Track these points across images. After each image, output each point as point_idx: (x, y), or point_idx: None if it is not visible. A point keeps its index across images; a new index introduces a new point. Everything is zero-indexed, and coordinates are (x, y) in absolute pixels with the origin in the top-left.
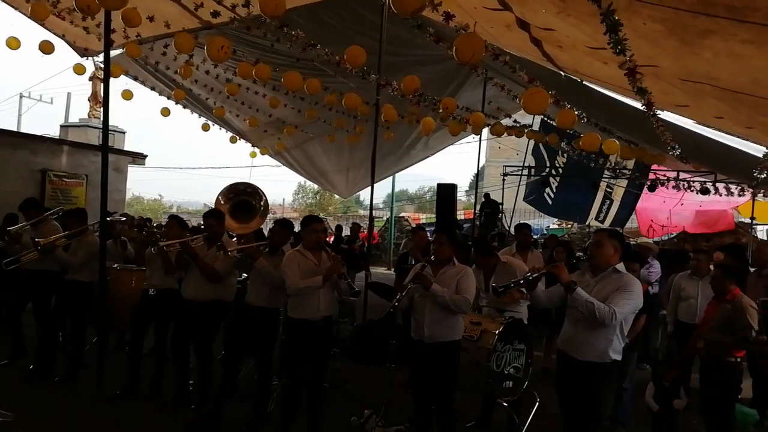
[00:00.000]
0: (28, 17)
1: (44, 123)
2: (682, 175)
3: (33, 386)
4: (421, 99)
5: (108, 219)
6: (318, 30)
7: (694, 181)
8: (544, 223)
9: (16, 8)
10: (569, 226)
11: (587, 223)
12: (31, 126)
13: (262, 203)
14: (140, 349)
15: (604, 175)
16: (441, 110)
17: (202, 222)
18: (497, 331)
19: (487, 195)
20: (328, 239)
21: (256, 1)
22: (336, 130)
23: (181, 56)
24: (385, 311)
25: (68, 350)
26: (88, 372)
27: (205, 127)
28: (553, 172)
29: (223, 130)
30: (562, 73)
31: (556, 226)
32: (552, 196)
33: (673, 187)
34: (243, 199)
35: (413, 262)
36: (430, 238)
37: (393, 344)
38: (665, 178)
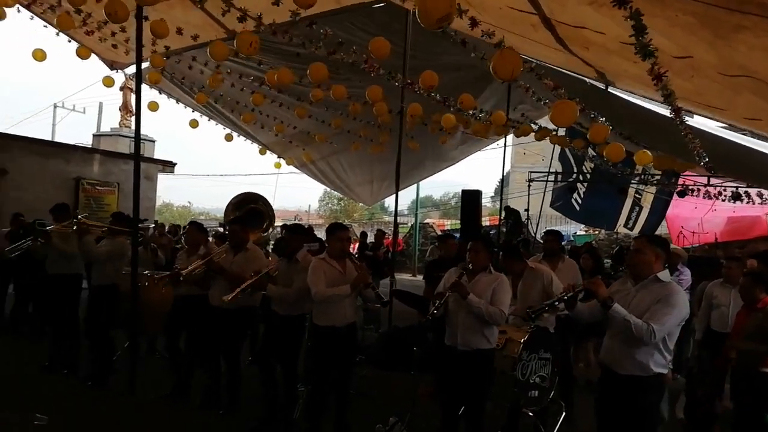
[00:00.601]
0: (57, 29)
1: (77, 132)
2: (713, 181)
3: (66, 390)
4: (445, 101)
5: (139, 225)
6: (344, 35)
7: (725, 188)
8: (572, 229)
9: (45, 21)
10: (596, 232)
11: (615, 230)
12: (65, 135)
13: (268, 209)
14: (179, 352)
15: (632, 182)
16: (461, 106)
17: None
18: (522, 340)
19: (507, 207)
20: (352, 246)
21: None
22: (361, 139)
23: (206, 70)
24: (410, 319)
25: (96, 353)
26: (119, 377)
27: (228, 138)
28: (581, 177)
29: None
30: (587, 79)
31: (584, 233)
32: (579, 202)
33: (704, 194)
34: (251, 207)
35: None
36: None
37: (417, 352)
38: (695, 185)
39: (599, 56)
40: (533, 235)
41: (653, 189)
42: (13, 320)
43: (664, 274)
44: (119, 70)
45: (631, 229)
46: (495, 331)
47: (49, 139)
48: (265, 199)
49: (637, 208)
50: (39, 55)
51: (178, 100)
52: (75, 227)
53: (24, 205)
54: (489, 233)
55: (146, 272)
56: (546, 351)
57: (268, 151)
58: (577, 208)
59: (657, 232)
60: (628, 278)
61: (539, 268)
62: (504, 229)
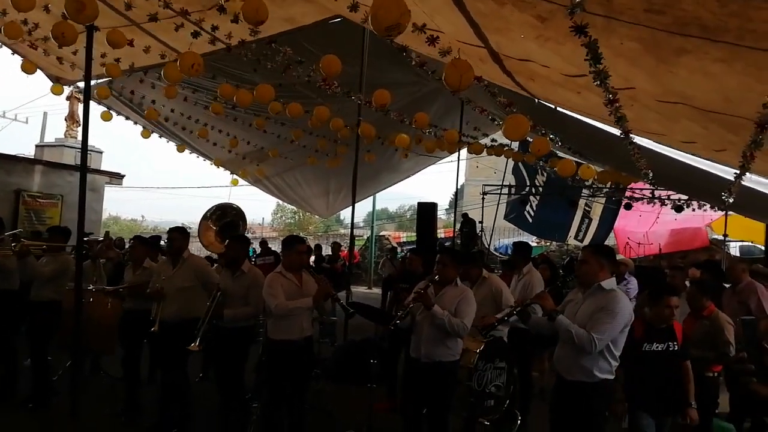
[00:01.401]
0: (6, 46)
1: (19, 143)
2: (657, 192)
3: (5, 414)
4: (399, 117)
5: (85, 239)
6: (299, 55)
7: (669, 198)
8: (525, 240)
9: None
10: (548, 244)
11: (566, 241)
12: (6, 146)
13: (243, 224)
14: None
15: (582, 194)
16: (414, 125)
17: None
18: (478, 350)
19: (465, 215)
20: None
21: (237, 28)
22: (317, 154)
23: (157, 84)
24: (365, 331)
25: (36, 373)
26: (62, 398)
27: (181, 149)
28: (533, 190)
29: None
30: (535, 99)
31: (536, 244)
32: (532, 214)
33: (648, 202)
34: (231, 219)
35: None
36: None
37: (374, 364)
38: (641, 195)
39: (544, 87)
40: (487, 246)
41: (602, 201)
42: None
43: (608, 282)
44: (65, 86)
45: (582, 240)
46: (459, 344)
47: None
48: (240, 210)
49: (587, 220)
50: None
51: (127, 117)
52: (16, 251)
53: None
54: (444, 245)
55: (91, 287)
56: (501, 360)
57: (222, 165)
58: (530, 220)
59: (605, 243)
60: (579, 288)
61: (492, 278)
62: (458, 240)
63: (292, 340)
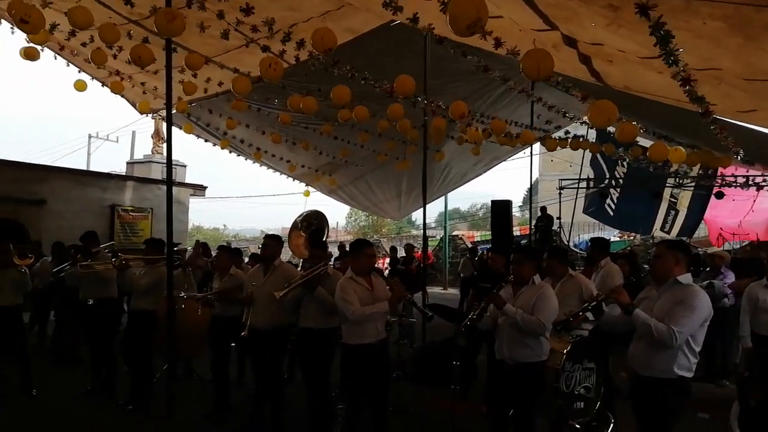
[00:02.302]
0: (97, 80)
1: (112, 160)
2: (752, 173)
3: (107, 415)
4: (469, 117)
5: (176, 248)
6: (363, 61)
7: (766, 181)
8: (606, 235)
9: (81, 69)
10: (632, 237)
11: (652, 234)
12: (100, 164)
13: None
14: (222, 372)
15: (667, 184)
16: (490, 131)
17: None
18: (565, 351)
19: (543, 209)
20: (382, 261)
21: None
22: (386, 157)
23: (224, 114)
24: (444, 332)
25: (137, 378)
26: (158, 400)
27: (257, 156)
28: (613, 182)
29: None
30: (614, 89)
31: (618, 239)
32: (613, 207)
33: (742, 188)
34: (317, 227)
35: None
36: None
37: (456, 366)
38: (734, 180)
39: (624, 69)
40: (566, 243)
41: (690, 189)
42: (54, 348)
43: (685, 277)
44: (148, 115)
45: (668, 232)
46: (543, 344)
47: (85, 168)
48: (323, 215)
49: (673, 212)
50: (80, 86)
51: (206, 140)
52: (116, 264)
53: (63, 233)
54: (519, 243)
55: (182, 294)
56: (590, 361)
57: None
58: (611, 213)
59: (696, 235)
60: (653, 286)
61: (578, 276)
62: (535, 237)
63: (368, 344)
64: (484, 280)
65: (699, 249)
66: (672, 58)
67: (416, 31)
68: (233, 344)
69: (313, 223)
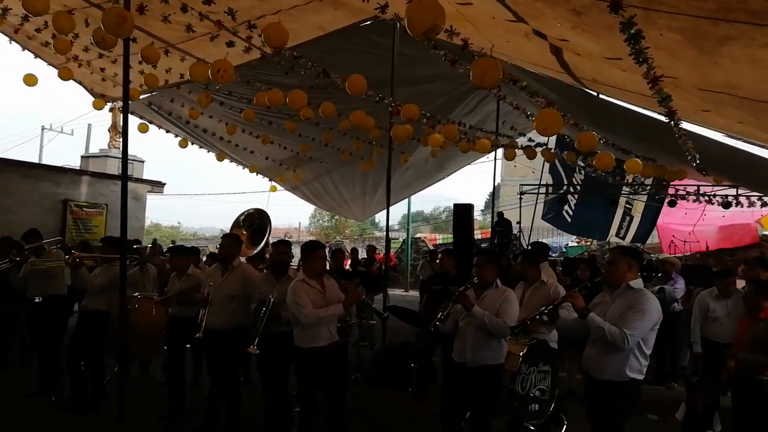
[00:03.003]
0: (53, 66)
1: (65, 154)
2: (703, 189)
3: (57, 417)
4: (431, 119)
5: (135, 246)
6: (331, 57)
7: (715, 195)
8: (563, 240)
9: (36, 55)
10: (588, 243)
11: (607, 240)
12: (54, 158)
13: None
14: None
15: (623, 192)
16: (441, 133)
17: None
18: (521, 353)
19: (500, 214)
20: (345, 262)
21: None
22: (351, 157)
23: (186, 103)
24: (404, 335)
25: (88, 379)
26: (110, 401)
27: (220, 158)
28: (571, 189)
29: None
30: (578, 88)
31: (575, 244)
32: (571, 213)
33: (694, 201)
34: (258, 225)
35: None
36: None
37: (414, 368)
38: (685, 192)
39: (592, 62)
40: (525, 247)
41: (644, 199)
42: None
43: (636, 282)
44: (109, 102)
45: (623, 238)
46: (503, 346)
47: (37, 161)
48: (265, 213)
49: (628, 218)
50: (30, 80)
51: (167, 131)
52: (69, 262)
53: (12, 229)
54: (480, 247)
55: (136, 294)
56: (545, 364)
57: (259, 172)
58: (569, 219)
59: (648, 241)
60: (607, 291)
61: (550, 281)
62: (494, 241)
63: (321, 347)
64: (437, 283)
65: (651, 255)
66: (642, 56)
67: (386, 33)
68: (188, 345)
69: (255, 222)
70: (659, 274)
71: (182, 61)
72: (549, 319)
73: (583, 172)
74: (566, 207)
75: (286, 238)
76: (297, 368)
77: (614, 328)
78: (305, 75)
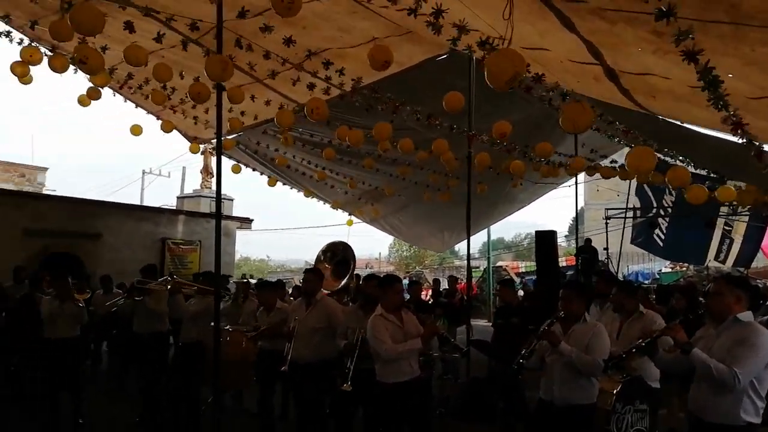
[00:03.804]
0: (152, 113)
1: (163, 195)
2: None
3: None
4: (511, 147)
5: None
6: (408, 95)
7: None
8: (656, 266)
9: (134, 102)
10: (684, 268)
11: (705, 265)
12: (152, 199)
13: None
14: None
15: (720, 212)
16: (535, 156)
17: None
18: (615, 391)
19: (587, 240)
20: (425, 292)
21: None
22: (429, 189)
23: (274, 143)
24: (489, 367)
25: (185, 408)
26: (204, 430)
27: (308, 193)
28: (661, 212)
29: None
30: (659, 117)
31: (669, 270)
32: (663, 237)
33: None
34: (342, 257)
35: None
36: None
37: (500, 406)
38: None
39: (667, 104)
40: (614, 274)
41: (745, 219)
42: (111, 376)
43: (745, 315)
44: (201, 144)
45: (723, 262)
46: (595, 385)
47: (138, 203)
48: (348, 247)
49: (728, 240)
50: (136, 131)
51: (254, 169)
52: (169, 286)
53: (117, 266)
54: (565, 275)
55: (227, 327)
56: (642, 402)
57: (340, 207)
58: (661, 243)
59: (753, 265)
60: (710, 324)
61: (650, 313)
62: (579, 269)
63: (404, 382)
64: (500, 316)
65: (758, 280)
66: (721, 102)
67: (461, 66)
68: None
69: (338, 254)
70: (767, 302)
71: (267, 105)
72: (647, 354)
73: (674, 193)
74: (657, 230)
75: (371, 271)
76: (381, 404)
77: (722, 366)
78: (383, 112)
